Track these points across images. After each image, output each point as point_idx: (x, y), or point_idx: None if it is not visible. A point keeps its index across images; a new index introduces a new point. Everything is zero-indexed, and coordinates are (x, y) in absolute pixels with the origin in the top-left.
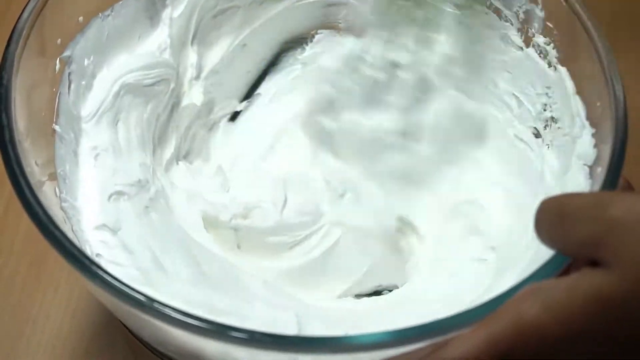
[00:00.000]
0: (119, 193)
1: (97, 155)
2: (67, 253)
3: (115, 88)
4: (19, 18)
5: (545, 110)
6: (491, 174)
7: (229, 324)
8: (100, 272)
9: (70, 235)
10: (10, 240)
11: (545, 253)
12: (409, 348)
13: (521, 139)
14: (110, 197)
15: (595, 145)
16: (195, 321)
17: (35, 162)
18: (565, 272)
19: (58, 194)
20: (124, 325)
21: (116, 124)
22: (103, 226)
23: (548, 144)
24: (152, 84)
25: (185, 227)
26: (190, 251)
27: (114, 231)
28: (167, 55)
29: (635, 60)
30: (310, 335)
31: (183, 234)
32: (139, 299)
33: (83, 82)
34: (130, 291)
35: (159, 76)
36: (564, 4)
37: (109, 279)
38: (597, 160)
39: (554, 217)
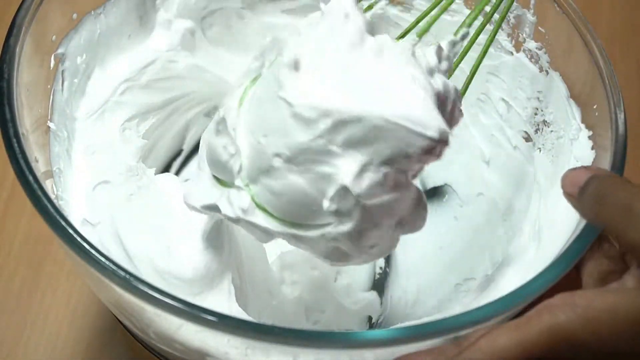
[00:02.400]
0: (105, 182)
1: (92, 153)
2: (77, 246)
3: (114, 88)
4: (17, 11)
5: (536, 114)
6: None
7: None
8: (113, 266)
9: None
10: (9, 241)
11: (544, 253)
12: (420, 346)
13: (510, 143)
14: (95, 187)
15: (593, 147)
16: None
17: (35, 159)
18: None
19: (55, 191)
20: (124, 327)
21: (114, 124)
22: (85, 221)
23: (540, 147)
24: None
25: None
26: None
27: (94, 225)
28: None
29: (634, 60)
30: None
31: (165, 220)
32: (149, 291)
33: (76, 80)
34: (142, 286)
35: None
36: (558, 9)
37: (123, 273)
38: (595, 162)
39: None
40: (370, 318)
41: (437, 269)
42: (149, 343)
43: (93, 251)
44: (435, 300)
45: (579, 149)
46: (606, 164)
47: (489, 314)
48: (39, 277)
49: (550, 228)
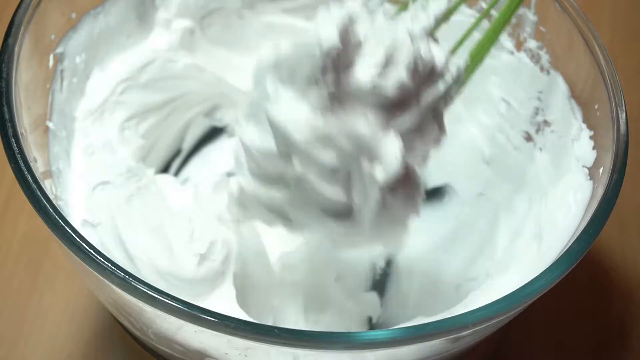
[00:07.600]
0: (105, 183)
1: (92, 153)
2: (75, 247)
3: (113, 88)
4: (16, 10)
5: (537, 114)
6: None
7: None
8: (112, 267)
9: None
10: (8, 242)
11: (545, 254)
12: (421, 346)
13: (511, 143)
14: (95, 188)
15: (594, 147)
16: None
17: (34, 158)
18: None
19: (54, 192)
20: (123, 327)
21: (114, 124)
22: (85, 222)
23: (541, 148)
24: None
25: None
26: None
27: (94, 226)
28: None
29: (636, 59)
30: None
31: (166, 220)
32: (148, 292)
33: (75, 80)
34: (141, 286)
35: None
36: (559, 8)
37: (122, 273)
38: (597, 162)
39: None
40: (370, 318)
41: (437, 269)
42: (148, 344)
43: (92, 251)
44: (435, 300)
45: (580, 149)
46: (607, 164)
47: (489, 314)
48: (37, 277)
49: (551, 229)
